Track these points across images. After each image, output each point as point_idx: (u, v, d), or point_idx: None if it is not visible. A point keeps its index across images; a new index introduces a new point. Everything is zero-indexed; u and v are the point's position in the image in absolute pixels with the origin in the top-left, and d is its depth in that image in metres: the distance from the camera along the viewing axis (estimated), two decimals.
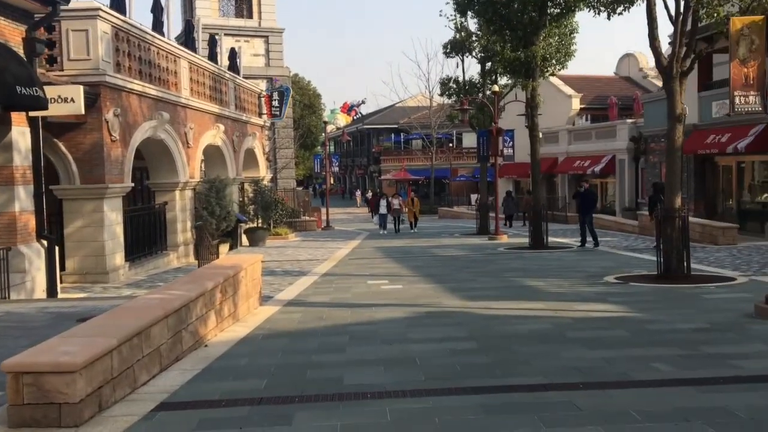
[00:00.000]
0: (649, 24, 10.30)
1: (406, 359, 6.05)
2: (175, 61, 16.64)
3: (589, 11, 13.08)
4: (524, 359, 5.90)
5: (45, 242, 11.28)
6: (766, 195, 20.28)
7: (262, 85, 28.13)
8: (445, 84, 25.94)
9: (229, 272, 8.03)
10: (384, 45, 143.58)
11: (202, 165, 21.02)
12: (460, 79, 25.95)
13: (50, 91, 11.17)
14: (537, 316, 7.98)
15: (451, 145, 54.43)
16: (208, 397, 5.11)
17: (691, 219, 11.78)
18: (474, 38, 24.17)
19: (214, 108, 19.27)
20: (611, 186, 31.41)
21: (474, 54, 24.84)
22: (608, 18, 11.22)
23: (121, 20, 13.66)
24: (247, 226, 21.57)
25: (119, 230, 13.73)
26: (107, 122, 13.09)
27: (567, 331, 7.04)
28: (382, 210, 27.18)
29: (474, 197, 43.08)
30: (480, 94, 24.67)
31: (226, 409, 4.84)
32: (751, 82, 6.82)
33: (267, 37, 35.79)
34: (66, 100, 11.71)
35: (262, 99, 25.16)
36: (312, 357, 6.30)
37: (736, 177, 21.89)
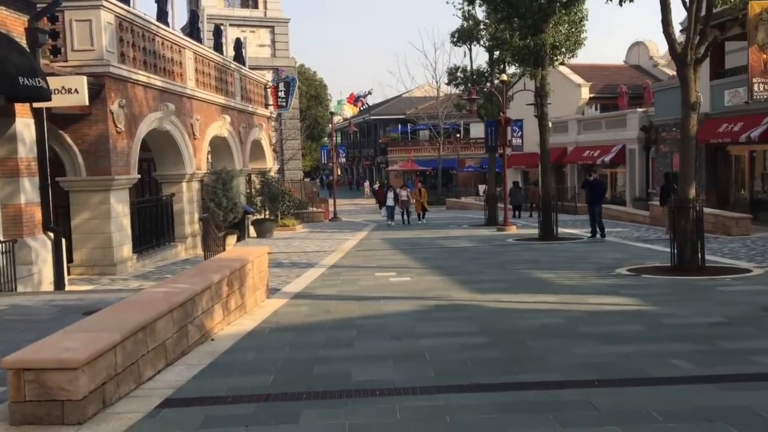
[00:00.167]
0: (662, 9, 10.05)
1: (415, 354, 5.92)
2: (180, 51, 16.50)
3: None
4: (537, 354, 5.75)
5: (51, 234, 11.21)
6: None
7: (268, 76, 27.96)
8: (452, 73, 25.67)
9: (235, 265, 7.92)
10: (391, 35, 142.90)
11: (209, 156, 20.91)
12: (468, 68, 25.67)
13: (53, 82, 11.07)
14: (549, 309, 7.82)
15: (458, 135, 54.12)
16: (214, 394, 5.00)
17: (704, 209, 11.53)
18: (482, 27, 23.87)
19: (220, 99, 19.13)
20: (621, 176, 31.12)
21: (482, 43, 24.54)
22: (620, 4, 10.96)
23: (125, 10, 13.51)
24: (255, 217, 21.48)
25: (126, 222, 13.66)
26: (112, 113, 12.99)
27: (580, 325, 6.89)
28: (390, 202, 27.01)
29: (482, 188, 42.84)
30: (488, 84, 24.39)
31: (232, 405, 4.73)
32: None
33: (273, 27, 35.60)
34: (70, 91, 11.62)
35: (268, 90, 24.99)
36: (319, 352, 6.18)
37: (748, 166, 21.58)
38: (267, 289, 9.35)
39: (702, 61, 10.01)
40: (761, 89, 6.48)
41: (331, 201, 32.04)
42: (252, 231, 20.99)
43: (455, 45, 25.80)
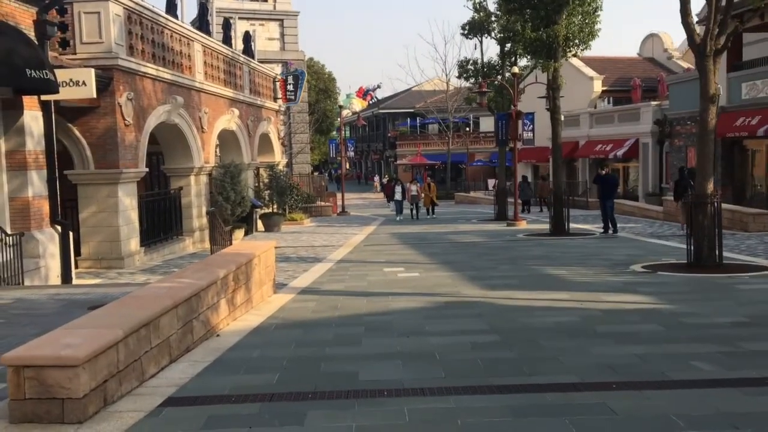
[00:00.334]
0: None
1: (424, 353, 5.75)
2: (188, 44, 16.38)
3: None
4: (551, 355, 5.56)
5: (59, 227, 11.14)
6: None
7: (277, 69, 27.79)
8: (463, 66, 25.40)
9: (241, 260, 7.78)
10: (400, 28, 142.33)
11: (217, 150, 20.83)
12: (479, 60, 25.40)
13: (61, 75, 10.99)
14: (562, 307, 7.63)
15: (467, 129, 53.83)
16: (218, 392, 4.86)
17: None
18: (493, 18, 23.57)
19: (229, 92, 19.01)
20: (633, 171, 30.75)
21: (493, 35, 24.25)
22: None
23: (134, 2, 13.40)
24: (263, 211, 21.40)
25: (134, 215, 13.58)
26: (120, 106, 12.90)
27: (596, 324, 6.69)
28: (398, 196, 26.83)
29: (491, 182, 42.56)
30: (499, 77, 24.10)
31: (235, 405, 4.58)
32: None
33: (282, 20, 35.41)
34: (77, 83, 11.53)
35: (277, 83, 24.85)
36: (326, 349, 6.02)
37: (766, 161, 21.20)
38: (274, 284, 9.22)
39: (722, 52, 9.74)
40: None
41: (339, 195, 31.90)
42: (260, 225, 20.90)
43: (466, 37, 25.52)
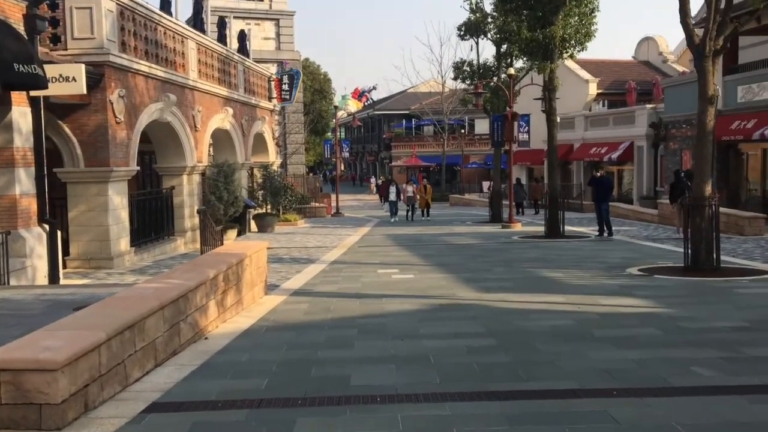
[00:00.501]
0: None
1: (418, 357, 5.60)
2: (182, 41, 16.19)
3: None
4: (548, 359, 5.42)
5: (47, 226, 10.93)
6: None
7: (272, 69, 27.62)
8: (458, 67, 25.28)
9: (232, 260, 7.61)
10: (396, 29, 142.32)
11: (211, 149, 20.63)
12: (475, 62, 25.29)
13: (51, 70, 10.78)
14: (558, 310, 7.49)
15: (463, 131, 53.75)
16: (204, 398, 4.69)
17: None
18: (489, 20, 23.47)
19: (223, 91, 18.82)
20: (627, 173, 30.69)
21: (489, 36, 24.15)
22: None
23: None
24: (256, 211, 21.20)
25: (124, 215, 13.38)
26: (112, 103, 12.70)
27: (593, 328, 6.55)
28: (392, 197, 26.68)
29: (486, 184, 42.44)
30: (495, 78, 24.00)
31: (222, 412, 4.41)
32: None
33: (278, 20, 35.24)
34: (67, 79, 11.31)
35: (272, 82, 24.66)
36: (318, 353, 5.86)
37: (761, 164, 21.15)
38: (265, 285, 9.05)
39: (720, 53, 9.64)
40: None
41: (333, 196, 31.74)
42: (253, 225, 20.70)
43: (462, 38, 25.42)
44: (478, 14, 24.02)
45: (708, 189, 9.97)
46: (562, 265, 11.44)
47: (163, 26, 15.01)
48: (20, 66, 9.30)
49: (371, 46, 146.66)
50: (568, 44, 16.96)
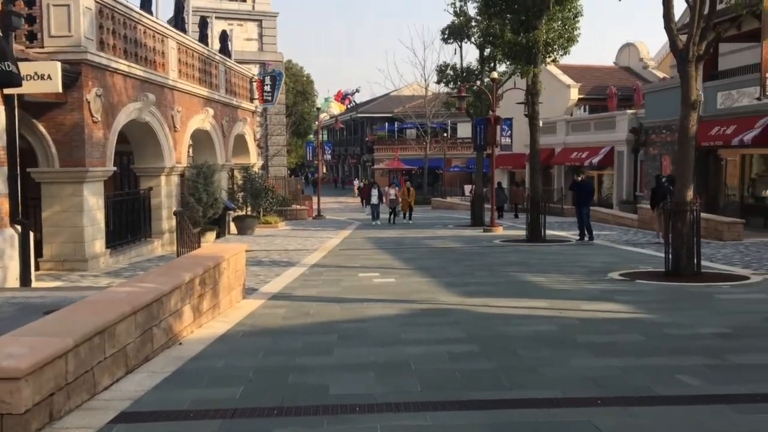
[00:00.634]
0: (664, 3, 9.67)
1: (399, 364, 5.47)
2: (162, 41, 15.93)
3: None
4: (531, 366, 5.32)
5: (19, 227, 10.62)
6: None
7: (254, 70, 27.35)
8: (442, 71, 25.25)
9: (209, 263, 7.42)
10: (380, 32, 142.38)
11: (190, 150, 20.35)
12: (458, 65, 25.28)
13: (26, 68, 10.52)
14: (541, 315, 7.41)
15: (445, 134, 53.82)
16: (176, 407, 4.52)
17: None
18: (473, 23, 23.47)
19: (203, 91, 18.57)
20: (608, 178, 30.90)
21: (473, 40, 24.15)
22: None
23: None
24: (236, 213, 20.94)
25: (100, 216, 13.10)
26: (89, 102, 12.43)
27: (575, 333, 6.46)
28: (374, 200, 26.54)
29: (468, 188, 42.51)
30: (478, 82, 24.01)
31: (194, 422, 4.24)
32: None
33: (260, 21, 34.98)
34: (42, 77, 11.04)
35: (254, 83, 24.41)
36: (296, 359, 5.70)
37: (740, 170, 21.38)
38: (243, 289, 8.86)
39: (703, 58, 9.66)
40: None
41: (315, 198, 31.54)
42: (233, 227, 20.45)
43: (446, 42, 25.40)
44: (461, 18, 24.02)
45: (690, 194, 9.99)
46: (544, 270, 11.40)
47: (142, 25, 14.76)
48: None
49: (355, 48, 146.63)
50: (551, 48, 16.98)
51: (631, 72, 37.36)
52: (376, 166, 56.55)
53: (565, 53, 17.43)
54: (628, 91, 32.71)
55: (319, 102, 61.62)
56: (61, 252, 12.40)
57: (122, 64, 13.58)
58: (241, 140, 22.99)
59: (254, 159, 24.45)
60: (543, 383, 4.86)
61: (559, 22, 16.90)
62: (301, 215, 28.39)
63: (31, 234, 10.79)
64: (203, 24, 22.24)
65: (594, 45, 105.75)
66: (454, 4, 22.86)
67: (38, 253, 11.90)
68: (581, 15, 17.14)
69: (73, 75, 11.99)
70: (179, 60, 16.93)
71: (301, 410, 4.36)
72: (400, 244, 17.08)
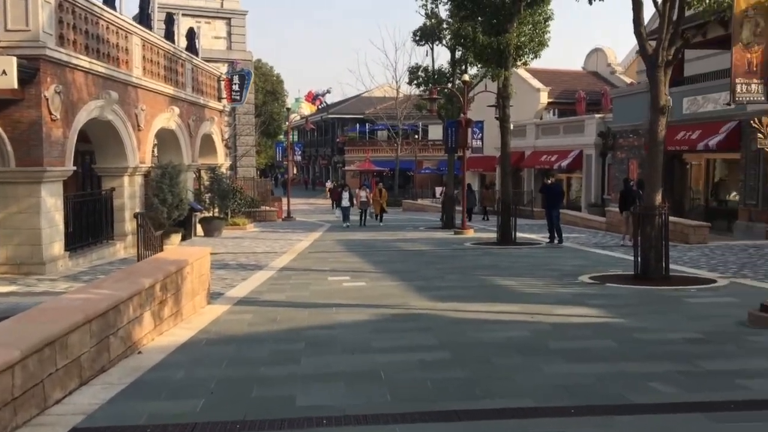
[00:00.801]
0: (634, 8, 9.71)
1: (369, 373, 5.29)
2: (126, 37, 15.48)
3: None
4: (504, 374, 5.19)
5: None
6: (734, 194, 20.14)
7: (222, 69, 26.89)
8: (413, 72, 25.17)
9: (171, 268, 7.14)
10: (352, 33, 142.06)
11: (155, 150, 19.86)
12: (430, 68, 25.23)
13: None
14: (513, 320, 7.30)
15: (416, 136, 53.86)
16: (132, 422, 4.26)
17: None
18: (445, 25, 23.45)
19: (169, 89, 18.12)
20: (576, 181, 31.20)
21: (444, 42, 24.13)
22: (590, 3, 10.59)
23: None
24: (203, 215, 20.50)
25: (59, 217, 12.62)
26: (47, 99, 11.96)
27: (547, 339, 6.37)
28: (345, 202, 26.28)
29: (438, 190, 42.55)
30: (449, 84, 23.98)
31: None
32: (755, 68, 6.23)
33: (229, 19, 34.46)
34: None
35: (222, 82, 23.97)
36: (261, 369, 5.47)
37: (704, 175, 21.75)
38: (208, 293, 8.57)
39: (672, 63, 9.71)
40: (744, 90, 6.11)
41: (285, 200, 31.15)
42: (200, 229, 20.00)
43: (417, 44, 25.34)
44: (433, 20, 23.97)
45: (659, 198, 10.03)
46: (515, 273, 11.34)
47: (105, 20, 14.30)
48: None
49: (326, 49, 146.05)
50: (522, 52, 17.01)
51: (598, 77, 37.85)
52: (347, 168, 56.29)
53: (536, 57, 17.50)
54: (596, 96, 33.12)
55: (290, 102, 61.06)
56: (17, 255, 11.91)
57: (83, 60, 13.14)
58: (208, 140, 22.55)
59: (222, 159, 24.01)
60: (516, 392, 4.73)
61: (530, 26, 16.94)
62: (270, 217, 27.99)
63: None
64: (169, 21, 21.74)
65: (562, 50, 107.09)
66: (426, 5, 22.80)
67: None
68: (552, 19, 17.22)
69: (30, 71, 11.53)
70: (144, 57, 16.49)
71: (266, 424, 4.15)
72: (371, 246, 16.90)
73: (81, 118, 13.36)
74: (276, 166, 69.29)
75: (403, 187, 51.46)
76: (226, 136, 27.21)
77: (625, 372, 5.18)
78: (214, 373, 5.36)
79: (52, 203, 12.33)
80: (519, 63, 18.00)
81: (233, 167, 31.41)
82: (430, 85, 23.86)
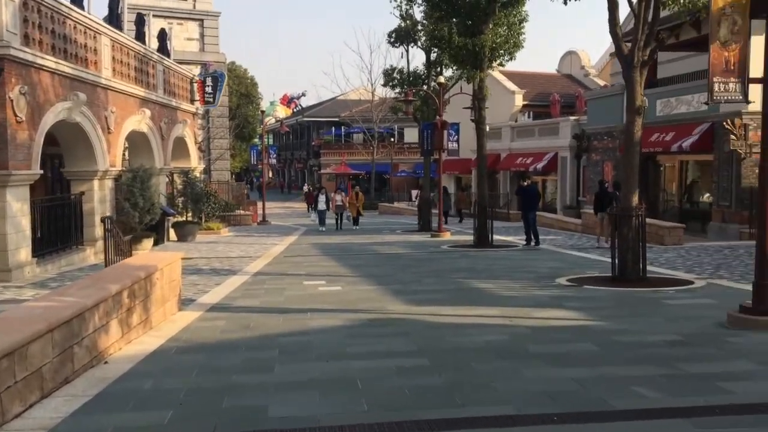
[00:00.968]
0: (610, 9, 9.72)
1: (345, 381, 5.12)
2: (95, 37, 15.11)
3: None
4: (484, 380, 5.06)
5: None
6: (707, 195, 20.39)
7: (195, 71, 26.48)
8: (389, 74, 25.08)
9: (139, 273, 6.89)
10: (326, 35, 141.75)
11: (126, 153, 19.46)
12: (405, 70, 25.15)
13: None
14: (491, 324, 7.20)
15: (392, 139, 53.82)
16: None
17: None
18: (420, 27, 23.39)
19: (140, 91, 17.76)
20: (551, 183, 31.39)
21: (420, 44, 24.07)
22: (564, 3, 10.59)
23: None
24: (176, 219, 20.12)
25: (25, 222, 12.23)
26: (12, 100, 11.59)
27: (527, 343, 6.27)
28: (321, 206, 26.04)
29: (414, 193, 42.51)
30: (425, 86, 23.92)
31: None
32: (732, 67, 6.22)
33: (202, 20, 34.00)
34: None
35: (195, 84, 23.61)
36: (233, 377, 5.27)
37: (678, 176, 21.99)
38: (179, 300, 8.32)
39: (648, 63, 9.73)
40: (722, 89, 6.08)
41: (260, 204, 30.80)
42: (173, 234, 19.63)
43: (393, 45, 25.24)
44: (408, 22, 23.91)
45: (635, 199, 10.03)
46: (493, 276, 11.27)
47: (72, 20, 13.94)
48: None
49: (301, 51, 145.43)
50: (497, 53, 17.01)
51: (573, 79, 38.18)
52: (323, 171, 56.01)
53: (512, 58, 17.51)
54: (571, 98, 33.38)
55: (265, 105, 60.58)
56: None
57: (50, 61, 12.77)
58: (181, 143, 22.17)
59: (195, 162, 23.63)
60: (497, 399, 4.61)
61: (505, 28, 16.95)
62: (245, 221, 27.65)
63: None
64: (140, 21, 21.33)
65: (537, 53, 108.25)
66: (400, 7, 22.71)
67: None
68: (526, 21, 17.27)
69: None
70: (113, 58, 16.13)
71: None
72: (347, 250, 16.73)
73: (48, 120, 12.98)
74: (251, 170, 68.68)
75: (379, 190, 51.34)
76: (200, 139, 26.82)
77: (606, 376, 5.09)
78: (184, 383, 5.15)
79: (18, 208, 11.94)
80: (494, 64, 18.00)
81: (207, 171, 30.97)
82: (406, 87, 23.78)
